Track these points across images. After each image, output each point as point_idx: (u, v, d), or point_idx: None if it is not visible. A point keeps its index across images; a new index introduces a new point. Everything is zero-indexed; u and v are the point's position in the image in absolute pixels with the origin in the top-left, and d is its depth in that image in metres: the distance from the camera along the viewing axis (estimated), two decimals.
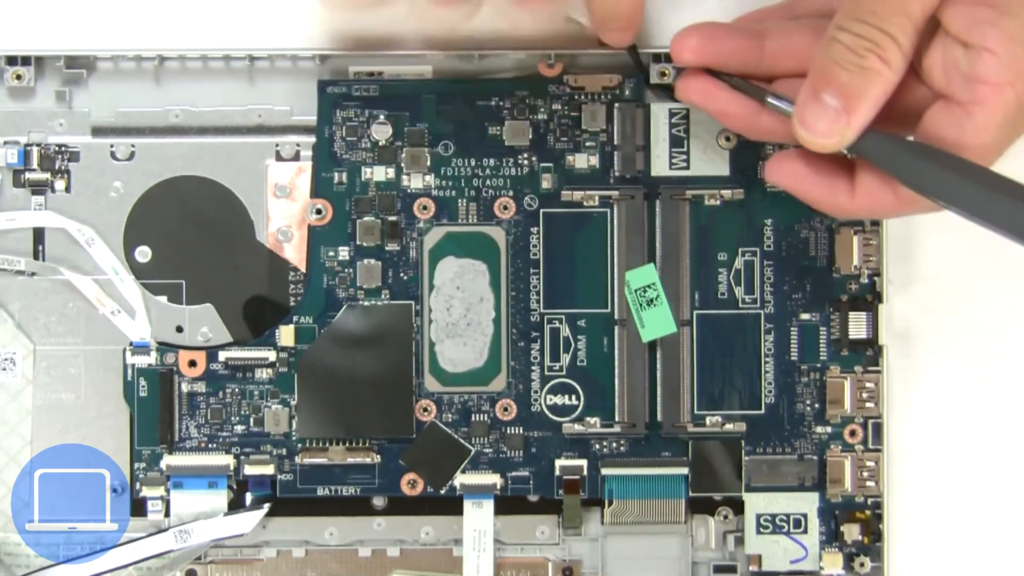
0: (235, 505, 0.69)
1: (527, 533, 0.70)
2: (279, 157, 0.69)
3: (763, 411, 0.69)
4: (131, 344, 0.68)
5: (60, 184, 0.69)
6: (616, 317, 0.69)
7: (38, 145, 0.69)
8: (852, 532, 0.69)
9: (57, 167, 0.69)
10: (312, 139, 0.69)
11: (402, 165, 0.69)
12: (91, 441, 0.69)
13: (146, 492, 0.69)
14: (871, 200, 0.59)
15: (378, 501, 0.69)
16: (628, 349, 0.69)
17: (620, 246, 0.68)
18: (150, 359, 0.68)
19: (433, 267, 0.69)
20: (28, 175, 0.68)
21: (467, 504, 0.69)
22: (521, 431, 0.69)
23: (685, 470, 0.69)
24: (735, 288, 0.69)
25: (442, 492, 0.69)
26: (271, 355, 0.68)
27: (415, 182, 0.69)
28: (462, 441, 0.69)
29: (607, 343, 0.69)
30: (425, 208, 0.69)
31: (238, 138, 0.69)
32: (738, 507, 0.70)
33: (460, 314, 0.69)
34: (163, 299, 0.69)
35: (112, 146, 0.69)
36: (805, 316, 0.69)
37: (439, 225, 0.69)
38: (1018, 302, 0.71)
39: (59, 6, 0.69)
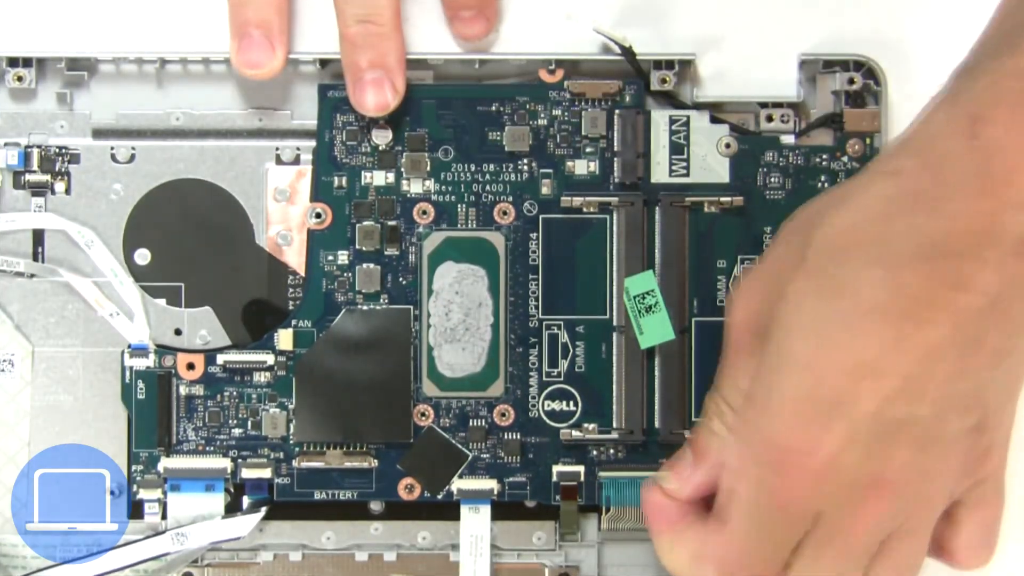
0: (232, 508, 0.69)
1: (524, 539, 0.70)
2: (279, 161, 0.69)
3: None
4: (129, 346, 0.68)
5: (60, 186, 0.69)
6: (615, 324, 0.69)
7: (39, 147, 0.69)
8: None
9: (57, 169, 0.69)
10: (312, 143, 0.69)
11: (402, 170, 0.69)
12: (89, 443, 0.69)
13: (143, 494, 0.69)
14: None
15: (375, 505, 0.69)
16: (626, 356, 0.68)
17: (619, 252, 0.68)
18: (148, 361, 0.68)
19: (432, 272, 0.69)
20: (28, 177, 0.69)
21: (464, 509, 0.69)
22: (519, 437, 0.69)
23: None
24: None
25: (439, 497, 0.69)
26: (269, 359, 0.68)
27: (415, 187, 0.69)
28: (459, 446, 0.69)
29: (605, 349, 0.69)
30: (425, 213, 0.69)
31: (239, 141, 0.69)
32: None
33: (459, 319, 0.68)
34: (162, 302, 0.69)
35: (112, 148, 0.69)
36: None
37: (438, 230, 0.69)
38: None
39: (61, 8, 0.69)
